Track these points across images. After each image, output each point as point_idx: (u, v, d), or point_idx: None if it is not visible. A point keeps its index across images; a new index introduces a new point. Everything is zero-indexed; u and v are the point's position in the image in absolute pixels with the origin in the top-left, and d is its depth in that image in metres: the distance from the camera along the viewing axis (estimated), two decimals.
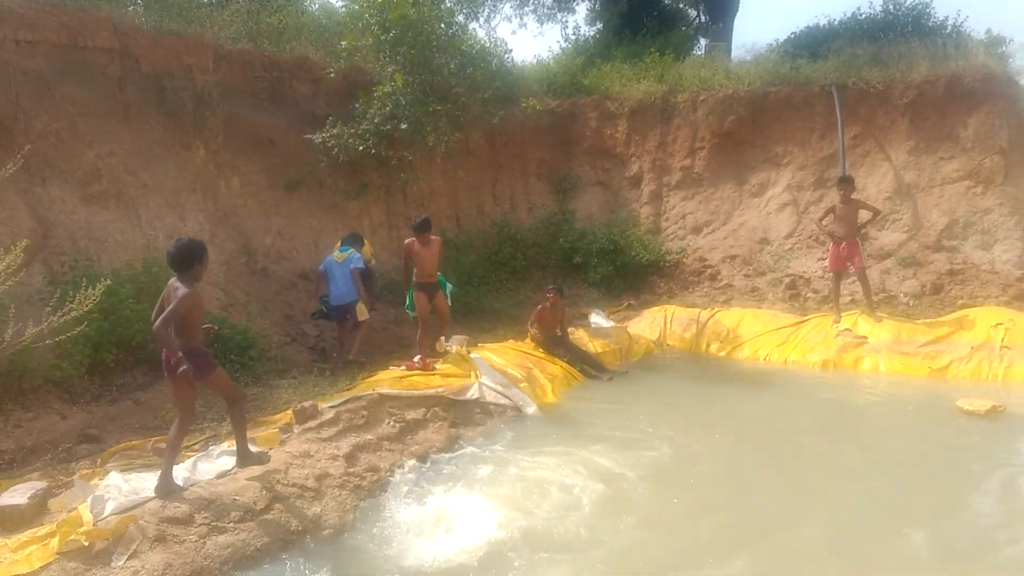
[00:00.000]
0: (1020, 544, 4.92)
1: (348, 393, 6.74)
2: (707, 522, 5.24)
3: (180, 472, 4.94)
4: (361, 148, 10.76)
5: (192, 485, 4.83)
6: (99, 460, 5.28)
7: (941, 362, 9.02)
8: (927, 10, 15.53)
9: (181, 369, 4.52)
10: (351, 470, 5.65)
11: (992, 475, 6.15)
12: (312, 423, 6.05)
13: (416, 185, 11.85)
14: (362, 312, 8.58)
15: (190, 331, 4.74)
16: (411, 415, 6.83)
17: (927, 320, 9.89)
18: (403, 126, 10.83)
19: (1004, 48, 13.02)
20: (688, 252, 13.10)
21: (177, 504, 4.54)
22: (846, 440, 7.12)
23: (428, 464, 6.18)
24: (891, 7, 15.87)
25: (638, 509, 5.39)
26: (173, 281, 4.76)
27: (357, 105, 10.94)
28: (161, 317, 4.56)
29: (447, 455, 6.41)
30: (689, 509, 5.47)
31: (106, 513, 4.27)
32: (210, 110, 9.51)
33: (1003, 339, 8.98)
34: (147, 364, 6.98)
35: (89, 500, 4.33)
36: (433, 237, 8.39)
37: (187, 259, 4.76)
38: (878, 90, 12.31)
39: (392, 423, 6.56)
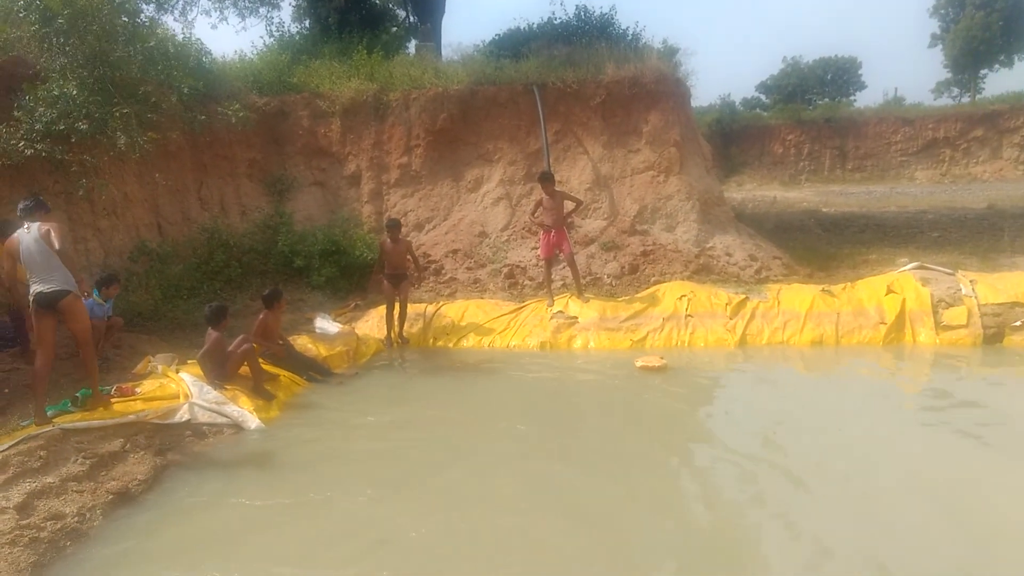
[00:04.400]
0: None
1: (20, 432, 5.76)
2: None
3: None
4: (29, 152, 9.31)
5: None
6: None
7: (640, 334, 9.98)
8: (613, 19, 17.14)
9: None
10: (25, 522, 4.81)
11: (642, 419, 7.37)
12: None
13: (104, 191, 10.53)
14: None
15: None
16: (105, 448, 6.02)
17: (626, 298, 10.89)
18: (82, 127, 9.56)
19: (677, 57, 14.76)
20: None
21: None
22: (549, 411, 7.88)
23: (127, 503, 5.50)
24: (582, 14, 17.26)
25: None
26: None
27: (25, 100, 9.45)
28: None
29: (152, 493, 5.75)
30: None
31: None
32: None
33: (687, 309, 10.16)
34: None
35: None
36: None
37: None
38: (573, 89, 13.30)
39: (81, 460, 5.72)
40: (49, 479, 5.35)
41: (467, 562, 4.61)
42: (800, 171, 36.47)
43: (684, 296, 10.37)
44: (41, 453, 5.52)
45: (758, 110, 46.37)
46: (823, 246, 14.38)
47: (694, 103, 15.37)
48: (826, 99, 48.58)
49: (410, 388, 8.92)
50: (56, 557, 4.66)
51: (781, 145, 37.31)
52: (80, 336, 6.54)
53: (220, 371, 7.72)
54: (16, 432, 5.81)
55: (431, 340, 10.73)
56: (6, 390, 7.41)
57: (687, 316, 10.10)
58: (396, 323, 10.69)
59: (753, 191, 29.88)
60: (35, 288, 6.26)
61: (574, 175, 13.25)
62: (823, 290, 10.27)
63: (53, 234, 6.28)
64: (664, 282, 11.39)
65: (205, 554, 4.80)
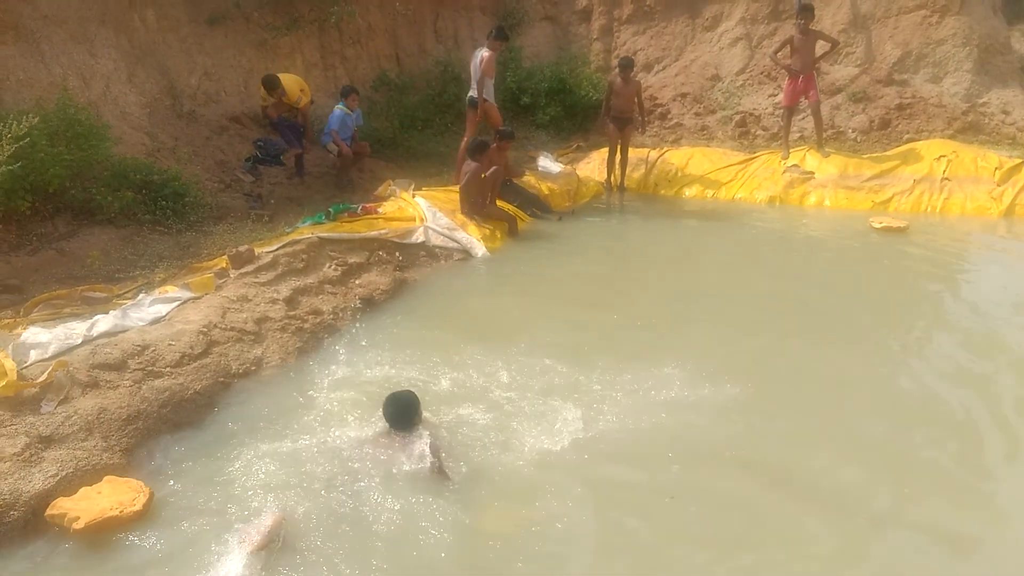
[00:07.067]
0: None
1: (286, 237, 6.50)
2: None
3: (110, 319, 4.75)
4: None
5: (123, 331, 4.66)
6: (22, 310, 5.03)
7: (884, 195, 9.12)
8: None
9: None
10: (292, 313, 5.53)
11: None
12: (249, 267, 5.84)
13: (352, 20, 11.05)
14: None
15: None
16: (353, 259, 6.66)
17: (873, 155, 9.89)
18: None
19: None
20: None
21: (108, 351, 4.38)
22: (770, 267, 7.57)
23: (371, 307, 6.13)
24: None
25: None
26: None
27: None
28: None
29: (393, 301, 6.36)
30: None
31: (29, 361, 4.09)
32: None
33: (945, 171, 9.06)
34: (68, 212, 6.58)
35: (10, 348, 4.13)
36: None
37: None
38: None
39: (334, 267, 6.39)
40: (310, 280, 6.05)
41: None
42: None
43: (944, 156, 9.20)
44: (303, 256, 6.23)
45: None
46: None
47: None
48: None
49: (626, 232, 8.97)
50: (316, 346, 5.34)
51: None
52: (492, 123, 9.31)
53: (480, 199, 8.19)
54: (283, 236, 6.56)
55: (652, 187, 10.52)
56: (272, 200, 8.36)
57: (943, 179, 9.01)
58: (617, 168, 10.55)
59: None
60: (471, 94, 9.25)
61: (827, 14, 11.81)
62: None
63: (486, 63, 8.87)
64: (919, 140, 10.16)
65: (438, 354, 5.26)
